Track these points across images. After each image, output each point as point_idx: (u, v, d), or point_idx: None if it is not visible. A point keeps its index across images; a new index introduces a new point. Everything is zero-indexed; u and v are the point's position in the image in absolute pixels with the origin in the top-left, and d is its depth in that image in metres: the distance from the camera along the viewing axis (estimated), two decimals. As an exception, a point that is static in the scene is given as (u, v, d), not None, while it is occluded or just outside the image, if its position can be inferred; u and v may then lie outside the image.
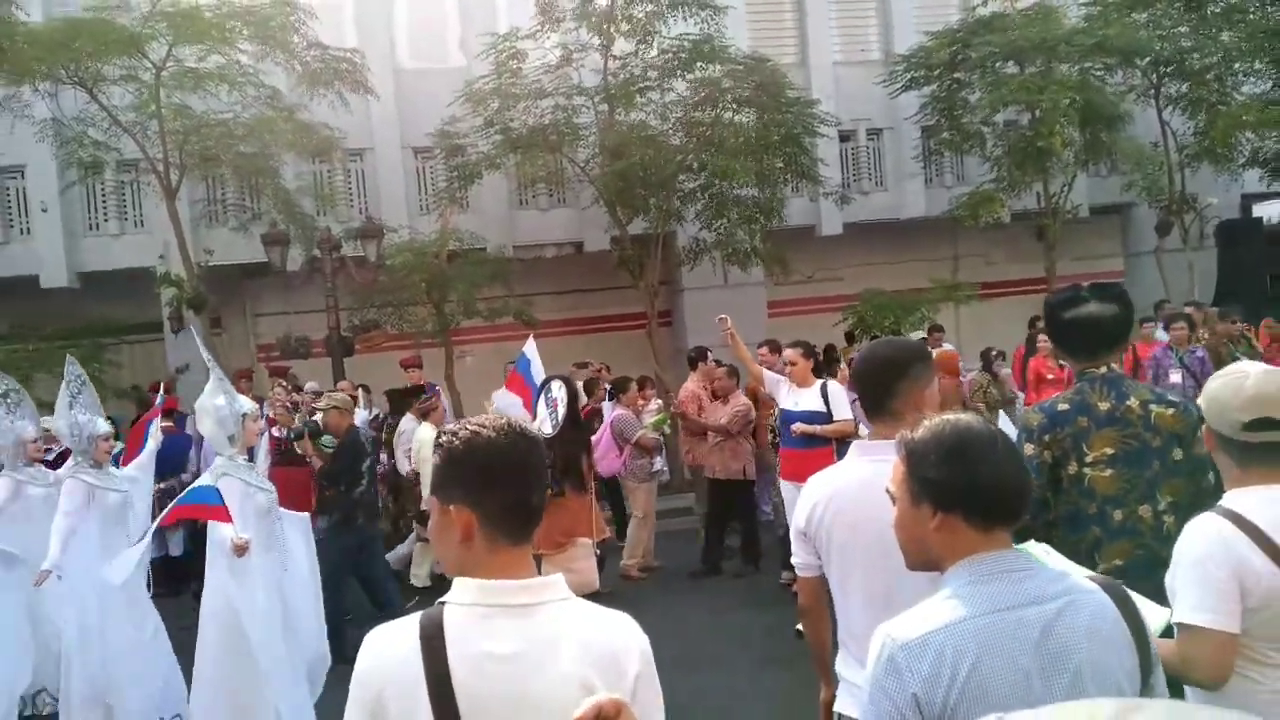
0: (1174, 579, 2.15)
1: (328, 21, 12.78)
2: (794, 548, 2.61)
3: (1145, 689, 1.67)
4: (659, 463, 9.09)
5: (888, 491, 1.82)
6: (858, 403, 5.16)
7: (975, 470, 1.70)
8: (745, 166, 11.76)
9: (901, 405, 2.49)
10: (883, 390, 2.54)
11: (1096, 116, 12.90)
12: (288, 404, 10.22)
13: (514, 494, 1.58)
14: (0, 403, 6.22)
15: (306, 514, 6.17)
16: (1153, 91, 13.96)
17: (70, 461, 6.08)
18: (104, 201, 13.71)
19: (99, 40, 10.83)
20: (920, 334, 11.98)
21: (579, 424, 5.54)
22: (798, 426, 6.75)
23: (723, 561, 8.54)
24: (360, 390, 9.95)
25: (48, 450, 7.54)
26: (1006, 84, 12.65)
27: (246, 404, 5.49)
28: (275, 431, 9.99)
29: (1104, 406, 2.97)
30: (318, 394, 10.20)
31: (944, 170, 15.85)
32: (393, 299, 12.43)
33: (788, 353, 6.94)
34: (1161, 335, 10.13)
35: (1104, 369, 3.05)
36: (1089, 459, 2.95)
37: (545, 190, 14.51)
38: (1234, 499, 2.17)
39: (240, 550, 4.89)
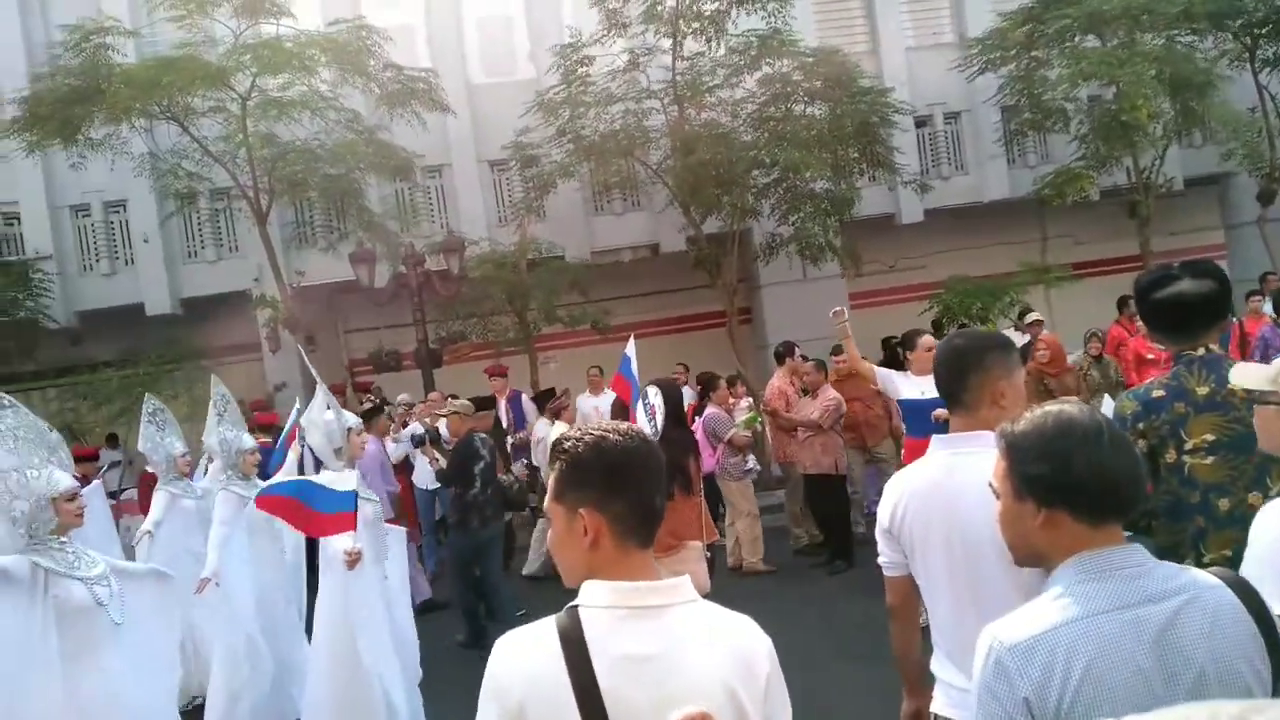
0: (1252, 566, 2.03)
1: (401, 44, 13.11)
2: (880, 546, 2.57)
3: (1278, 690, 1.57)
4: (751, 460, 9.08)
5: (990, 486, 1.77)
6: None
7: (1079, 462, 1.62)
8: (819, 159, 11.64)
9: (975, 398, 2.43)
10: (956, 382, 2.48)
11: (1185, 85, 12.37)
12: (389, 416, 10.53)
13: (640, 496, 1.59)
14: (150, 421, 6.68)
15: (404, 528, 6.44)
16: (1247, 55, 13.32)
17: (211, 473, 6.55)
18: (200, 230, 14.31)
19: (188, 76, 11.31)
20: (1009, 326, 11.61)
21: (683, 425, 5.54)
22: (940, 413, 6.43)
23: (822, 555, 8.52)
24: (449, 400, 10.15)
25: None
26: (1087, 57, 12.23)
27: (351, 418, 5.69)
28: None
29: (1203, 391, 2.83)
30: (410, 405, 10.48)
31: (1027, 150, 15.40)
32: (476, 310, 12.67)
33: (925, 339, 6.60)
34: (1269, 310, 9.67)
35: (1201, 350, 2.91)
36: (1188, 446, 2.82)
37: (619, 195, 14.60)
38: None
39: (353, 562, 5.02)
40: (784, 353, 9.39)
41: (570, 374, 12.75)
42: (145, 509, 9.81)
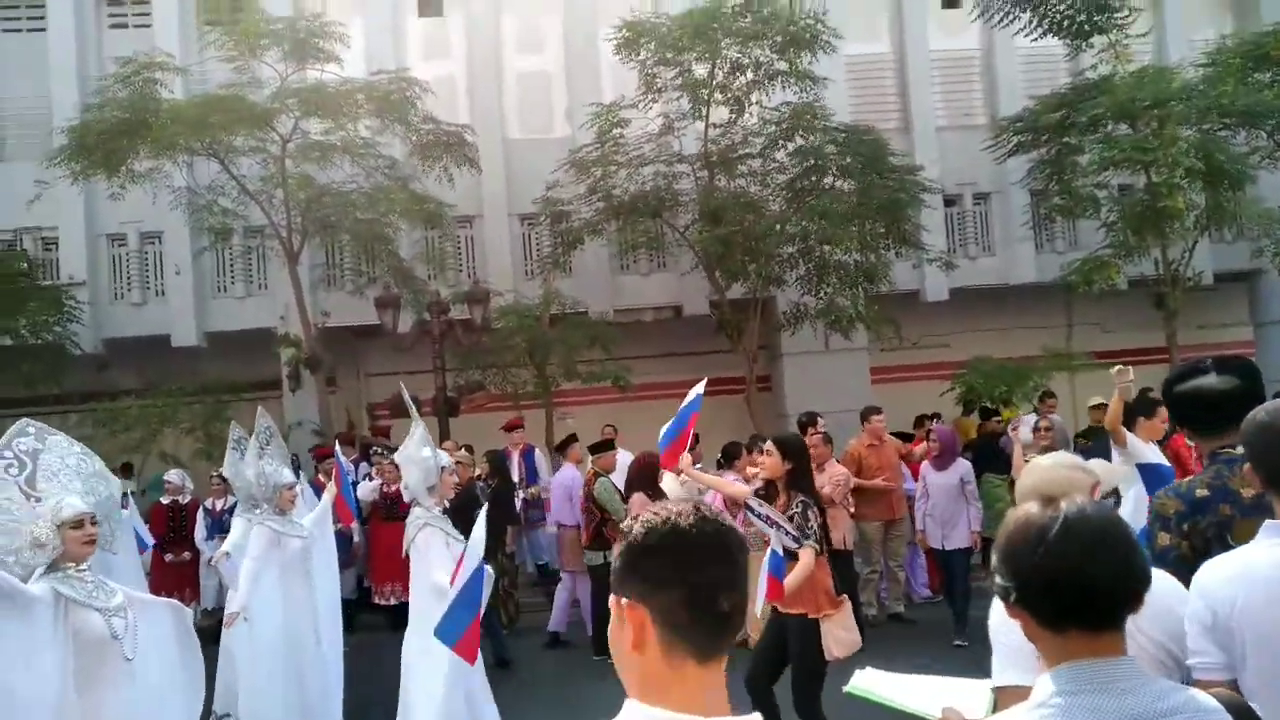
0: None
1: (442, 95, 13.41)
2: (1196, 643, 2.23)
3: None
4: None
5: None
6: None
7: (1024, 565, 1.54)
8: (847, 233, 11.70)
9: None
10: None
11: (1220, 176, 12.38)
12: (394, 462, 10.50)
13: (700, 589, 1.30)
14: (234, 449, 6.57)
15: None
16: (1279, 153, 13.34)
17: (239, 507, 6.57)
18: (231, 265, 14.51)
19: (234, 116, 11.60)
20: (1024, 411, 11.51)
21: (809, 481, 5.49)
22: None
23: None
24: (463, 450, 10.15)
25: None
26: (1120, 144, 12.28)
27: (445, 457, 5.69)
28: (384, 487, 10.29)
29: (1248, 493, 2.70)
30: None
31: (1055, 235, 15.42)
32: (497, 361, 12.71)
33: (1163, 409, 6.02)
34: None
35: (1240, 449, 2.80)
36: (1236, 548, 2.70)
37: (645, 255, 14.71)
38: None
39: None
40: (806, 423, 9.32)
41: (586, 431, 12.69)
42: (156, 536, 9.87)
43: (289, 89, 12.08)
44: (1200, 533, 2.74)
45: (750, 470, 9.21)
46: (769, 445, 5.36)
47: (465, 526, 7.17)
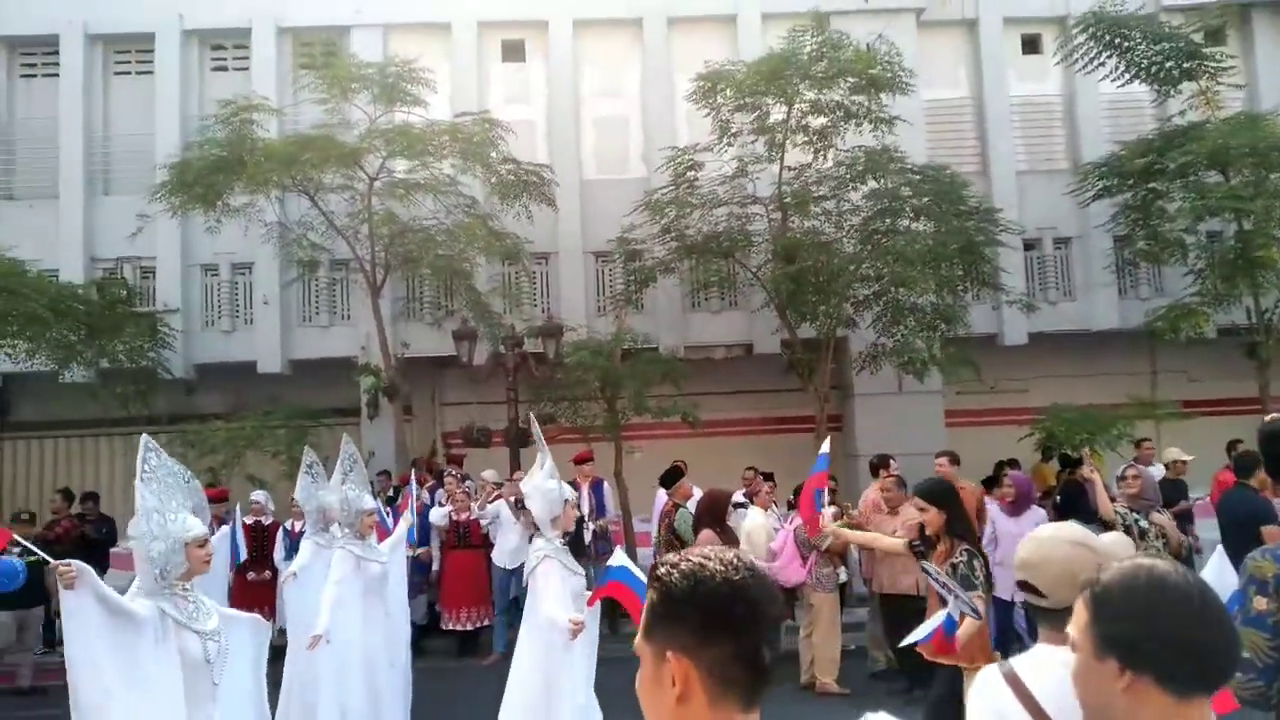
0: None
1: (523, 137, 13.77)
2: None
3: None
4: (844, 572, 8.84)
5: (1068, 635, 1.67)
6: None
7: (1171, 626, 1.50)
8: (923, 275, 11.61)
9: None
10: None
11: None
12: (466, 490, 10.69)
13: (747, 643, 1.30)
14: (307, 472, 6.84)
15: None
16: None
17: (308, 530, 6.83)
18: (317, 296, 15.02)
19: (324, 155, 12.10)
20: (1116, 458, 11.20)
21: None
22: None
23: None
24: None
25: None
26: (1212, 192, 11.98)
27: (569, 490, 5.81)
28: (454, 515, 10.47)
29: None
30: (498, 484, 10.63)
31: (1139, 281, 15.04)
32: (568, 394, 12.86)
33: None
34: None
35: None
36: None
37: (718, 294, 14.78)
38: (1027, 656, 2.16)
39: (575, 632, 5.03)
40: (878, 464, 9.23)
41: (654, 465, 12.73)
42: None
43: (377, 130, 12.56)
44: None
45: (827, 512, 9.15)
46: (920, 501, 5.26)
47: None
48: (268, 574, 10.12)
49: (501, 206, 13.26)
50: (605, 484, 11.75)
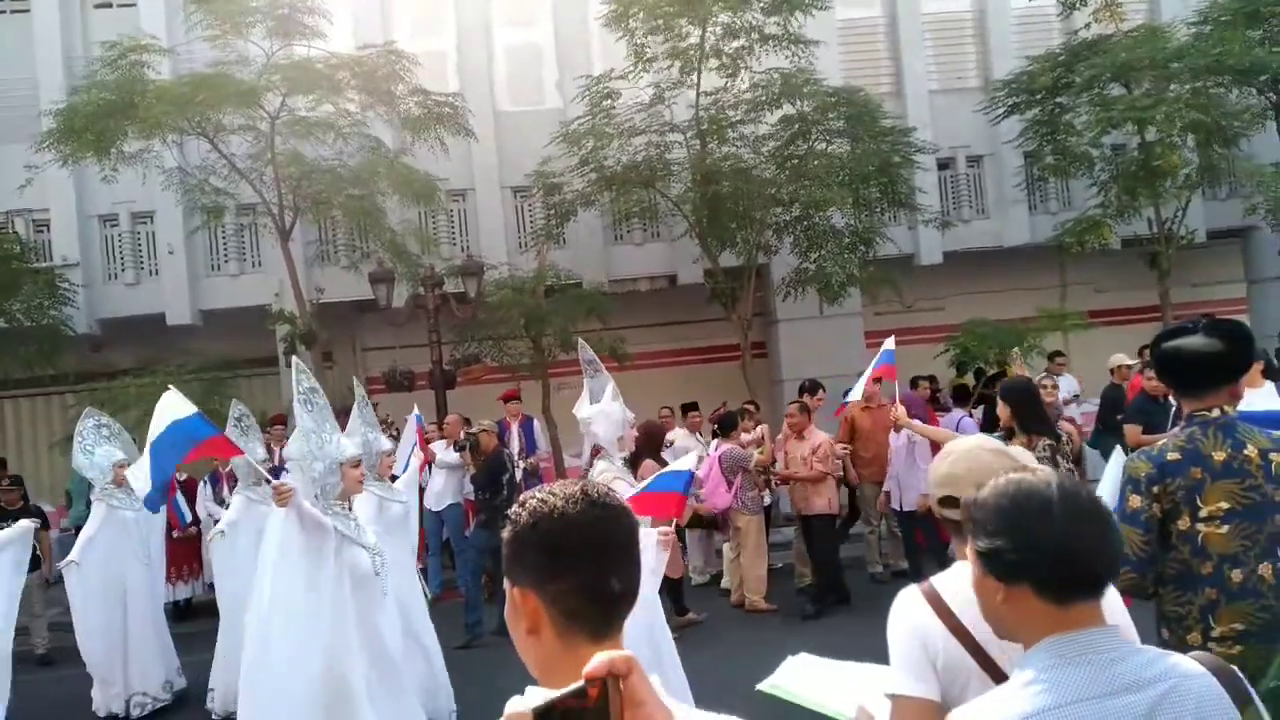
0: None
1: (431, 69, 13.31)
2: None
3: None
4: (769, 495, 9.05)
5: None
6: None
7: (1037, 536, 1.51)
8: (840, 195, 11.69)
9: None
10: None
11: (1215, 134, 12.36)
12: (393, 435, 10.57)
13: (589, 574, 1.29)
14: (235, 425, 6.85)
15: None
16: (1272, 110, 13.31)
17: (239, 485, 6.95)
18: (224, 244, 14.49)
19: (220, 94, 11.52)
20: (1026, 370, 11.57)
21: None
22: None
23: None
24: (465, 422, 10.22)
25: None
26: (1115, 104, 12.26)
27: (629, 413, 5.84)
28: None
29: (1219, 456, 2.75)
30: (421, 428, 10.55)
31: (1049, 196, 15.40)
32: (492, 334, 12.73)
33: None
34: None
35: (1216, 412, 2.83)
36: (1203, 513, 2.74)
37: (639, 225, 14.68)
38: (947, 573, 2.13)
39: (666, 542, 4.93)
40: (809, 389, 9.41)
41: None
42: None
43: (275, 66, 12.00)
44: (1170, 495, 2.77)
45: (745, 438, 9.32)
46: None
47: (493, 490, 8.42)
48: (193, 530, 9.91)
49: (414, 141, 12.85)
50: (535, 421, 11.74)
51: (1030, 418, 5.03)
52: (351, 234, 13.61)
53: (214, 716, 6.66)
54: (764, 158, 12.69)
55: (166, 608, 9.89)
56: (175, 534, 9.76)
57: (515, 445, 11.01)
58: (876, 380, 8.00)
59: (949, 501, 2.13)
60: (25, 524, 4.74)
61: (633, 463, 8.25)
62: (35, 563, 8.88)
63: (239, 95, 11.66)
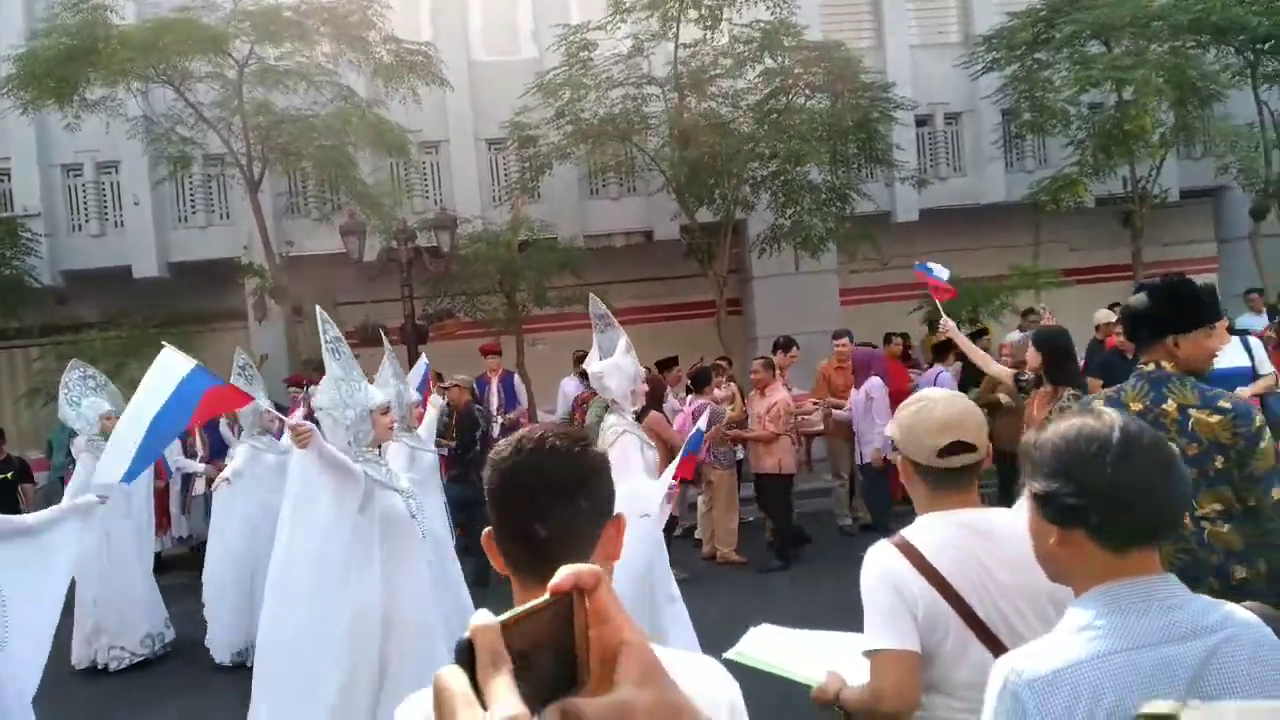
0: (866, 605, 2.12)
1: (404, 16, 13.01)
2: None
3: None
4: (741, 450, 9.10)
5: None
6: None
7: (1093, 480, 1.47)
8: (817, 150, 11.62)
9: None
10: None
11: (1191, 94, 12.37)
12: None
13: (514, 520, 1.34)
14: (240, 375, 6.84)
15: None
16: (1248, 70, 13.32)
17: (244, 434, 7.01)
18: (192, 195, 14.21)
19: (185, 39, 11.19)
20: (1004, 325, 11.69)
21: None
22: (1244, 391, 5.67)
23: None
24: (437, 377, 10.14)
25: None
26: (1094, 63, 12.22)
27: (641, 369, 5.75)
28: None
29: (1135, 408, 2.84)
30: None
31: (1025, 154, 15.40)
32: (466, 288, 12.62)
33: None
34: (1252, 323, 9.68)
35: (1151, 366, 2.93)
36: None
37: (615, 179, 14.54)
38: (916, 525, 2.13)
39: (672, 496, 4.98)
40: (781, 346, 9.43)
41: (558, 357, 12.73)
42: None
43: (243, 11, 11.66)
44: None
45: (718, 394, 9.33)
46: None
47: (467, 444, 8.63)
48: (161, 483, 9.82)
49: (386, 91, 12.59)
50: (515, 376, 11.70)
51: (1059, 368, 4.97)
52: (322, 186, 13.37)
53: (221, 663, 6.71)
54: (742, 112, 12.56)
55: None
56: (159, 485, 9.66)
57: (495, 400, 10.96)
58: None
59: (958, 447, 2.08)
60: (90, 499, 4.65)
61: (638, 417, 8.29)
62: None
63: (204, 41, 11.33)
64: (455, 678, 0.62)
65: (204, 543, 8.03)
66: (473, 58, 14.54)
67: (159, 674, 6.92)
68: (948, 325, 6.57)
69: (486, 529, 1.38)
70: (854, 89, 12.31)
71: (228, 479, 6.87)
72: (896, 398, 9.13)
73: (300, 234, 13.77)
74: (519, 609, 0.68)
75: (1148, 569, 1.49)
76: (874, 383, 8.87)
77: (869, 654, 2.02)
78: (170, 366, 4.47)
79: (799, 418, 9.04)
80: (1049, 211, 13.42)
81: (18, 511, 8.85)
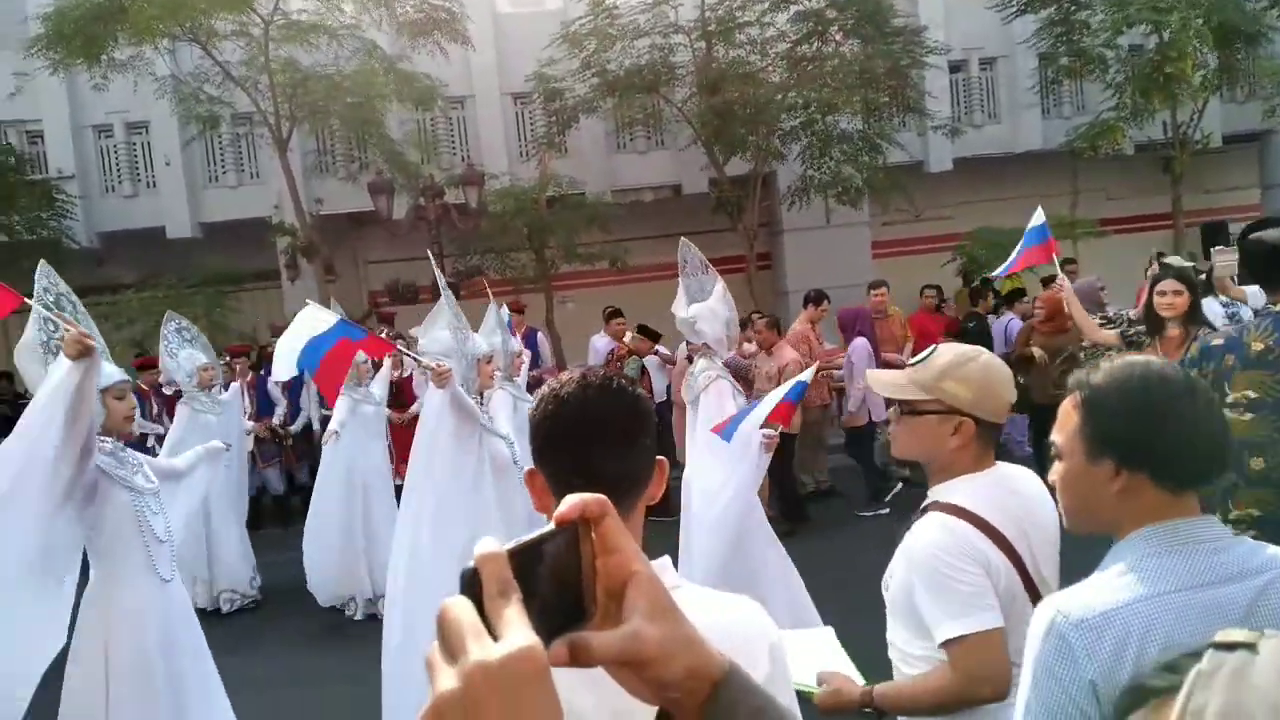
0: (911, 596, 1.92)
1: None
2: None
3: None
4: None
5: (1052, 443, 1.59)
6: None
7: (1171, 422, 1.46)
8: (849, 99, 11.41)
9: None
10: None
11: (1234, 35, 11.96)
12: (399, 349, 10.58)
13: (578, 453, 1.34)
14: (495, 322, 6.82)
15: None
16: (1297, 7, 12.86)
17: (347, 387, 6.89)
18: (222, 154, 14.26)
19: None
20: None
21: None
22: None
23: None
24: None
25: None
26: (1131, 3, 11.84)
27: (734, 312, 5.77)
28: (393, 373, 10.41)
29: (1258, 347, 2.80)
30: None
31: (1062, 100, 15.03)
32: (494, 245, 12.61)
33: None
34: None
35: None
36: (1229, 399, 2.80)
37: (643, 133, 14.40)
38: (962, 490, 1.97)
39: (770, 445, 5.00)
40: (814, 299, 9.32)
41: (587, 314, 12.72)
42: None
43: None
44: (1204, 377, 2.81)
45: (747, 348, 9.27)
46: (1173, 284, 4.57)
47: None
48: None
49: (412, 47, 12.51)
50: (539, 333, 11.72)
51: (1197, 307, 4.58)
52: (350, 143, 13.36)
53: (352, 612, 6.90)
54: (772, 60, 12.33)
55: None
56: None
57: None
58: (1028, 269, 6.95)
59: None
60: (218, 445, 4.85)
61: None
62: None
63: (229, -1, 11.29)
64: (463, 608, 0.60)
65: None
66: (497, 10, 14.38)
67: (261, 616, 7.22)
68: (1064, 284, 6.04)
69: (528, 467, 1.39)
70: (885, 33, 12.04)
71: (336, 431, 6.94)
72: (923, 346, 9.06)
73: (329, 193, 13.81)
74: (525, 538, 0.66)
75: (1192, 511, 1.48)
76: (857, 344, 8.61)
77: (954, 640, 1.87)
78: (311, 320, 4.86)
79: (826, 372, 8.93)
80: (1087, 159, 13.12)
81: None
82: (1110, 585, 1.44)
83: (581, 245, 12.64)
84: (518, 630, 0.58)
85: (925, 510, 2.03)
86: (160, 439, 9.63)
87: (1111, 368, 1.53)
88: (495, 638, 0.58)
